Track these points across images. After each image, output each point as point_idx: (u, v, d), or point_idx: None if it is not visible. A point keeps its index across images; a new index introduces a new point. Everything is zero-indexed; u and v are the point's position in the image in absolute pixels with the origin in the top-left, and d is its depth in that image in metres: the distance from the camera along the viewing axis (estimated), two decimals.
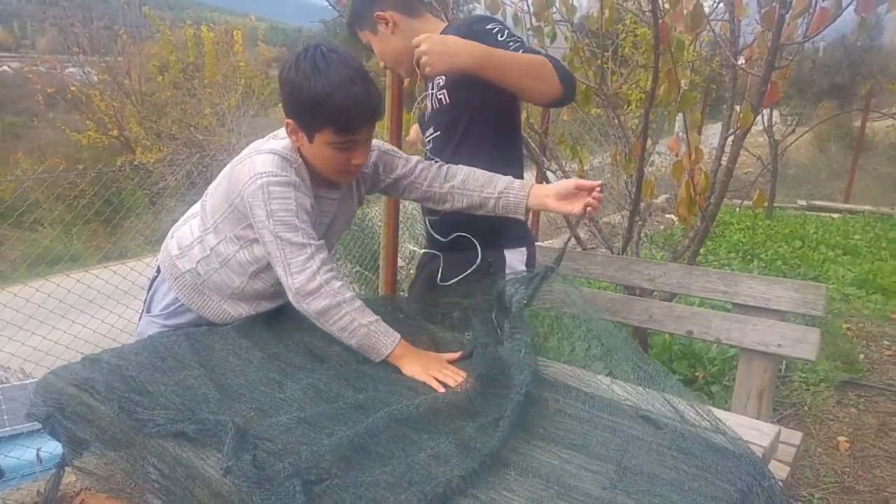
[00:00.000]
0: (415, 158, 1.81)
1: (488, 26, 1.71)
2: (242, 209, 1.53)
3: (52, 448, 2.40)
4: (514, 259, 1.90)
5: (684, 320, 2.20)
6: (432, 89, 1.88)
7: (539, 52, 1.71)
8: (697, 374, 3.29)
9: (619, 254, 2.97)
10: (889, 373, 3.63)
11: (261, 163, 1.50)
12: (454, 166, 1.77)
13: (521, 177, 1.84)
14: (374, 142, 1.74)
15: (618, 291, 2.98)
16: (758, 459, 1.15)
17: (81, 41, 12.09)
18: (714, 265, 5.11)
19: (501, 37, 1.67)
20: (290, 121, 1.52)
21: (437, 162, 1.81)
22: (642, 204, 3.24)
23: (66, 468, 1.55)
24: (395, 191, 1.82)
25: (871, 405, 3.26)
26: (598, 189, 1.58)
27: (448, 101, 1.82)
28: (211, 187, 1.69)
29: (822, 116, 10.59)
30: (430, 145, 1.94)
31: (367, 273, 4.45)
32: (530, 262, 1.96)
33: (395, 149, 1.81)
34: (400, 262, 3.99)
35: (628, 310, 2.33)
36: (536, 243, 2.18)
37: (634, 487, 1.08)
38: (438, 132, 1.89)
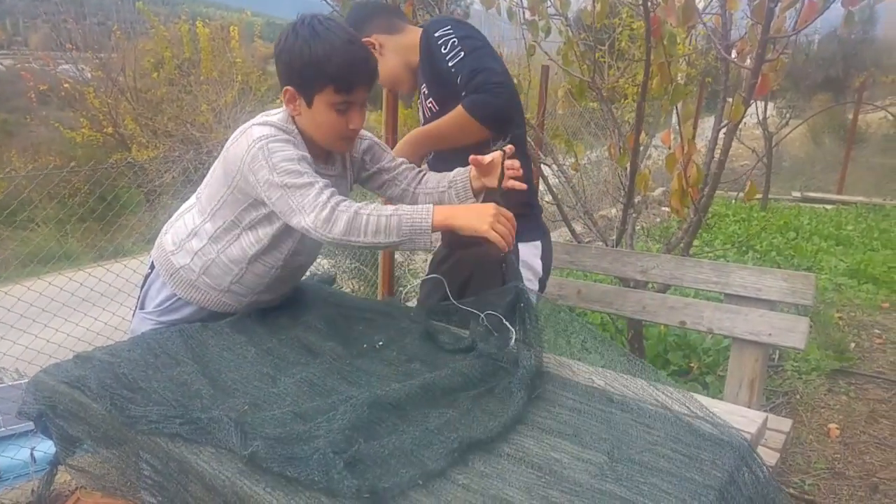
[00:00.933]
0: (399, 158, 1.84)
1: (439, 42, 1.75)
2: (244, 185, 1.54)
3: (46, 448, 2.40)
4: (529, 252, 1.89)
5: (677, 311, 2.21)
6: (423, 100, 1.91)
7: (475, 74, 1.70)
8: (692, 364, 3.31)
9: (613, 247, 2.99)
10: (879, 361, 3.66)
11: (257, 131, 1.53)
12: (429, 173, 1.81)
13: (528, 177, 1.83)
14: (366, 133, 1.78)
15: (612, 283, 2.99)
16: (746, 445, 1.16)
17: (74, 37, 12.00)
18: (710, 256, 5.13)
19: (445, 49, 1.73)
20: (288, 88, 1.54)
21: (416, 168, 1.85)
22: (637, 197, 3.26)
23: (59, 467, 1.55)
24: (374, 183, 1.84)
25: (862, 393, 3.30)
26: (507, 151, 1.57)
27: (437, 108, 1.84)
28: (206, 179, 1.70)
29: (817, 109, 10.61)
30: (431, 155, 1.98)
31: (365, 269, 4.46)
32: (545, 255, 1.95)
33: (384, 143, 1.84)
34: (398, 258, 3.99)
35: (622, 301, 2.35)
36: None
37: (625, 476, 1.09)
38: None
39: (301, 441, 1.13)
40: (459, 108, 1.72)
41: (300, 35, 1.49)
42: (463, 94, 1.72)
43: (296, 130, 1.58)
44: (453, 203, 1.72)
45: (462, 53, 1.71)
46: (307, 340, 1.61)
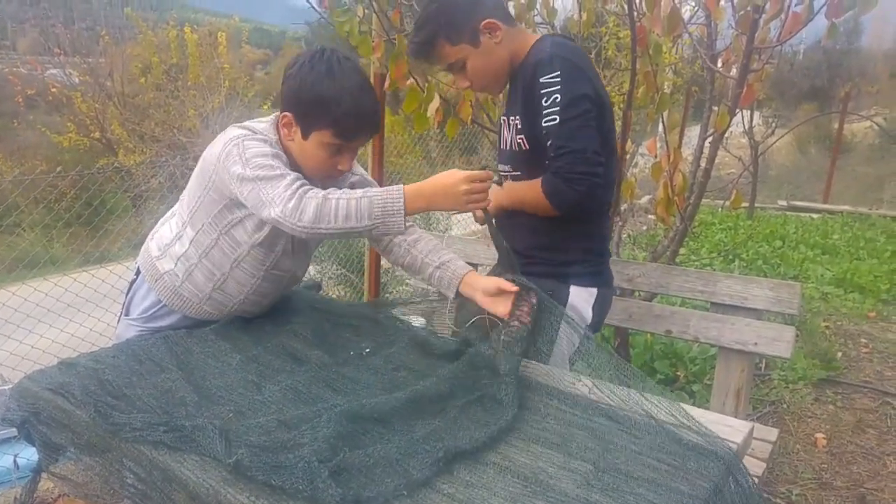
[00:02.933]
0: None
1: (542, 91, 1.57)
2: (219, 183, 1.53)
3: (30, 454, 2.37)
4: (580, 298, 1.73)
5: (663, 320, 2.22)
6: (509, 131, 1.75)
7: (563, 152, 1.56)
8: (679, 373, 3.32)
9: None
10: (866, 370, 3.68)
11: (236, 131, 1.53)
12: (420, 233, 1.77)
13: (600, 229, 1.79)
14: (358, 167, 1.77)
15: None
16: (732, 455, 1.17)
17: (63, 42, 11.95)
18: (696, 265, 5.16)
19: (546, 101, 1.56)
20: (288, 114, 1.53)
21: None
22: (623, 205, 3.27)
23: (42, 474, 1.53)
24: None
25: (849, 402, 3.31)
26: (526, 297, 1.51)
27: (527, 146, 1.69)
28: (188, 184, 1.69)
29: (802, 118, 10.73)
30: (508, 179, 1.79)
31: (351, 276, 4.45)
32: (600, 304, 1.77)
33: (373, 180, 1.80)
34: (385, 265, 3.98)
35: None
36: None
37: (611, 486, 1.09)
38: (519, 172, 1.75)
39: (286, 449, 1.12)
40: (539, 184, 1.62)
41: (315, 68, 1.47)
42: (548, 161, 1.60)
43: (276, 139, 1.57)
44: (431, 283, 1.70)
45: (556, 119, 1.55)
46: (292, 348, 1.61)
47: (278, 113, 1.58)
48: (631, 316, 2.28)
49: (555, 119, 1.54)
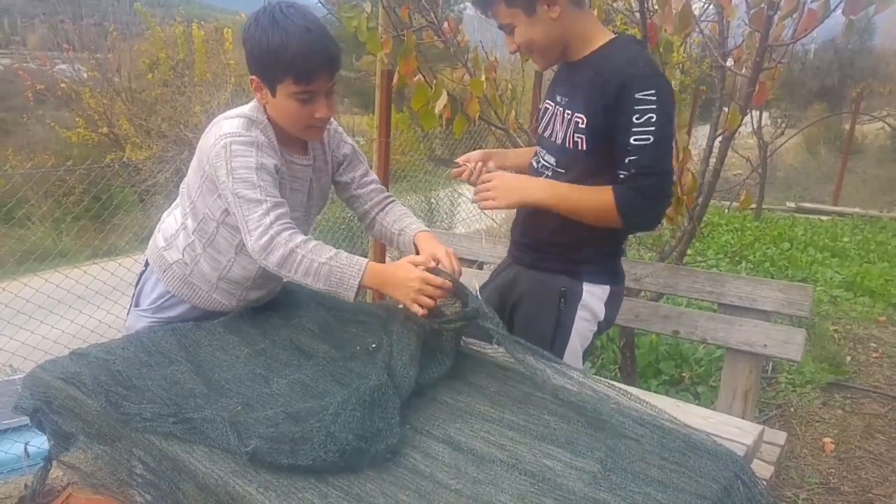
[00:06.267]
0: (373, 176, 1.85)
1: (636, 106, 1.51)
2: (211, 175, 1.54)
3: (40, 443, 2.39)
4: (593, 296, 1.73)
5: (670, 320, 2.21)
6: (563, 124, 1.68)
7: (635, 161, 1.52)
8: (684, 374, 3.31)
9: None
10: (875, 375, 3.66)
11: (227, 125, 1.53)
12: (393, 203, 1.83)
13: (620, 233, 1.76)
14: (349, 139, 1.80)
15: None
16: (738, 457, 1.16)
17: (71, 38, 11.99)
18: (702, 266, 5.13)
19: (637, 118, 1.51)
20: (253, 77, 1.54)
21: (385, 192, 1.85)
22: None
23: (53, 462, 1.54)
24: (343, 193, 1.85)
25: (857, 407, 3.29)
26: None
27: (585, 148, 1.62)
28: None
29: (812, 119, 10.66)
30: (547, 173, 1.74)
31: None
32: (612, 301, 1.77)
33: (363, 155, 1.85)
34: (388, 261, 3.98)
35: None
36: None
37: (619, 485, 1.09)
38: (563, 171, 1.69)
39: (293, 442, 1.13)
40: (609, 194, 1.57)
41: (260, 23, 1.47)
42: (621, 174, 1.56)
43: (266, 121, 1.58)
44: (404, 249, 1.75)
45: (650, 140, 1.52)
46: (300, 342, 1.61)
47: None
48: (637, 316, 2.28)
49: (648, 139, 1.51)
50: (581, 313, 1.71)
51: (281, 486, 1.07)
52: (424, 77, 2.36)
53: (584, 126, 1.61)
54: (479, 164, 1.81)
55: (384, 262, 3.15)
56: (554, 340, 1.70)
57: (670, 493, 1.07)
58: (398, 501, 1.04)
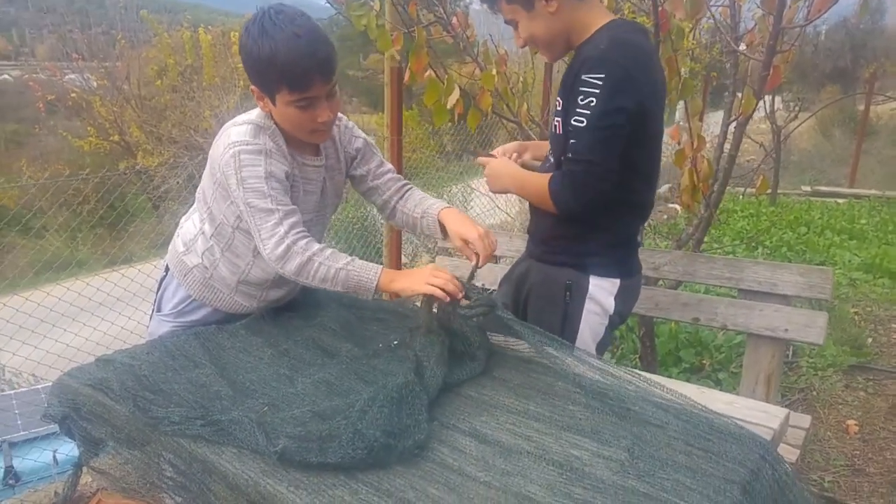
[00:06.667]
0: (388, 166, 1.85)
1: (581, 87, 1.50)
2: (223, 182, 1.55)
3: (68, 450, 2.42)
4: (601, 289, 1.69)
5: (690, 307, 2.20)
6: (553, 111, 1.70)
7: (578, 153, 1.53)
8: (704, 361, 3.30)
9: None
10: None
11: (235, 133, 1.53)
12: (413, 190, 1.82)
13: (636, 224, 1.78)
14: (360, 132, 1.80)
15: None
16: (764, 440, 1.16)
17: (80, 47, 12.10)
18: (719, 253, 5.10)
19: (581, 99, 1.50)
20: (254, 87, 1.54)
21: (402, 180, 1.84)
22: None
23: (83, 468, 1.56)
24: (360, 187, 1.84)
25: (880, 388, 3.26)
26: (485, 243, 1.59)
27: (561, 131, 1.62)
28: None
29: (825, 101, 10.53)
30: (547, 164, 1.77)
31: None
32: (624, 295, 1.73)
33: (375, 146, 1.84)
34: (403, 260, 3.99)
35: None
36: None
37: (647, 472, 1.09)
38: (553, 158, 1.71)
39: (321, 440, 1.14)
40: (546, 181, 1.61)
41: (251, 34, 1.45)
42: (563, 159, 1.59)
43: (273, 126, 1.58)
44: (429, 233, 1.76)
45: (583, 123, 1.50)
46: (322, 341, 1.62)
47: None
48: (657, 304, 2.27)
49: (582, 122, 1.50)
50: (589, 307, 1.69)
51: (311, 483, 1.08)
52: (436, 73, 2.36)
53: (560, 109, 1.62)
54: (515, 154, 1.85)
55: (399, 264, 3.16)
56: (562, 334, 1.66)
57: (699, 478, 1.07)
58: (428, 495, 1.05)
